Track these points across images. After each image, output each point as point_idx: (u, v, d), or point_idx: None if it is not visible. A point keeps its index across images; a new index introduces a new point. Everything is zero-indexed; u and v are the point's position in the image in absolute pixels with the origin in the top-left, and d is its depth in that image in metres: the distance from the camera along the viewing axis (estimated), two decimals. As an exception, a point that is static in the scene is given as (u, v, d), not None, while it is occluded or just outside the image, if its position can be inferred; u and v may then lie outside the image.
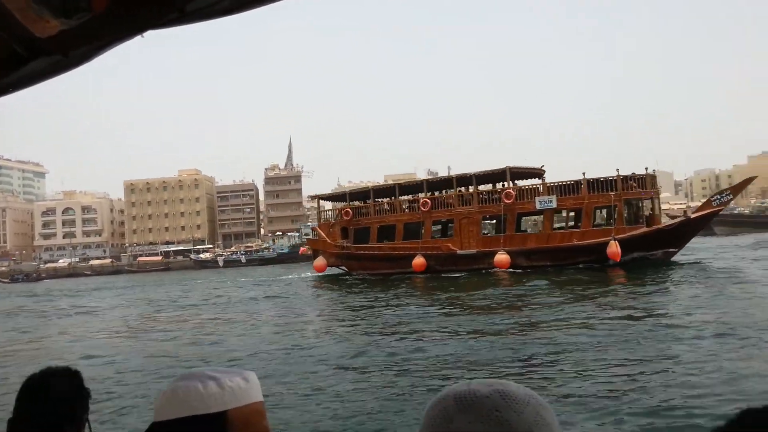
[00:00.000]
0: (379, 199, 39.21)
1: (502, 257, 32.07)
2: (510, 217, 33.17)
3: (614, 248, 29.58)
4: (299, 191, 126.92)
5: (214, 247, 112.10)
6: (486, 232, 35.47)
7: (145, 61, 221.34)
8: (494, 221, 35.77)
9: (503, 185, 35.30)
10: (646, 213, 31.83)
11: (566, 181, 32.34)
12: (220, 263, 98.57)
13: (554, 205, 32.03)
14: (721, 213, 32.14)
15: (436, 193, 37.03)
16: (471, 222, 34.19)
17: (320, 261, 38.74)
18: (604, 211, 32.47)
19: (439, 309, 19.05)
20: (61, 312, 28.46)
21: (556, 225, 36.78)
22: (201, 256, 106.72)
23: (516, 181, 35.68)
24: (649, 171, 31.36)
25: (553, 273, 29.21)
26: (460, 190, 36.00)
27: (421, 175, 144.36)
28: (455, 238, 34.78)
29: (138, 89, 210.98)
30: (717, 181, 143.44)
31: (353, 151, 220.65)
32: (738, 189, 30.09)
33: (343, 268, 38.93)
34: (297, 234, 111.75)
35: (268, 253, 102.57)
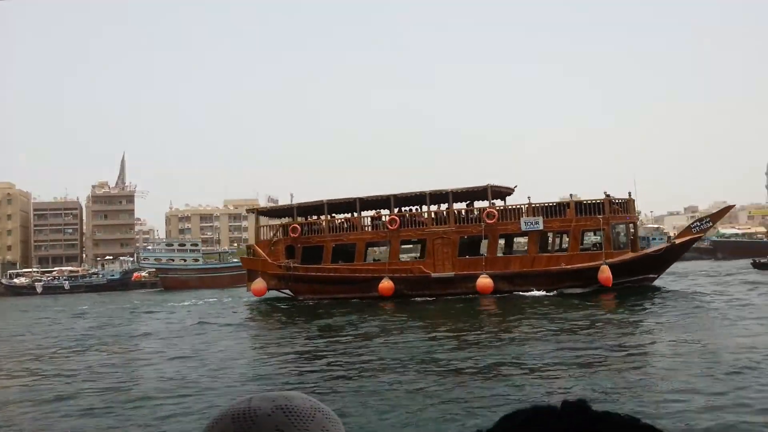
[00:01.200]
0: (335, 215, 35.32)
1: (485, 281, 29.89)
2: (492, 239, 31.22)
3: (606, 273, 28.78)
4: (131, 212, 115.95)
5: (31, 271, 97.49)
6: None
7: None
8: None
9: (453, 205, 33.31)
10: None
11: (551, 203, 31.20)
12: (39, 289, 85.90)
13: (541, 226, 30.63)
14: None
15: (404, 210, 34.00)
16: (446, 243, 31.66)
17: (259, 284, 33.72)
18: (591, 234, 31.68)
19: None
20: None
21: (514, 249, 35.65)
22: (15, 280, 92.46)
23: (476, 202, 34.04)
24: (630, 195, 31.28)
25: (543, 299, 27.69)
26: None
27: (263, 202, 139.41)
28: (428, 260, 32.02)
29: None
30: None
31: (194, 172, 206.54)
32: (717, 217, 30.96)
33: (287, 292, 34.34)
34: (131, 259, 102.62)
35: (97, 278, 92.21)
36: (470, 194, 32.82)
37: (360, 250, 33.21)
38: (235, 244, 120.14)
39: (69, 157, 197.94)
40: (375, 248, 38.51)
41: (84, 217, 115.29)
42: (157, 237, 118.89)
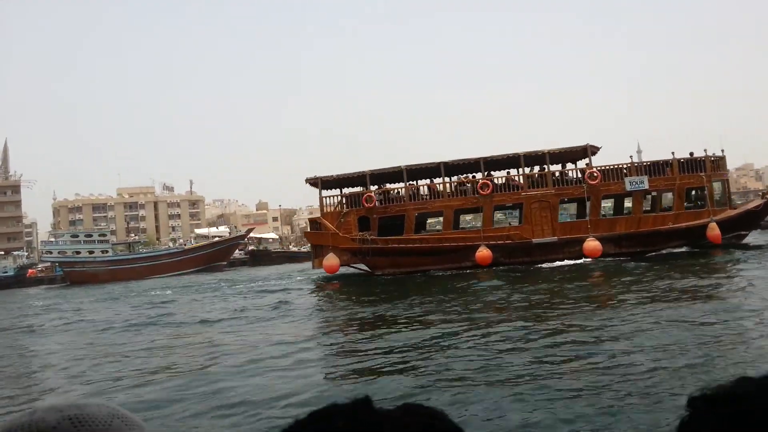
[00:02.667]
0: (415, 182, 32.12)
1: (593, 244, 28.36)
2: (594, 201, 29.69)
3: (716, 230, 28.28)
4: (18, 204, 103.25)
5: None
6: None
7: None
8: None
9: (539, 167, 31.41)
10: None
11: (651, 161, 30.15)
12: None
13: (646, 186, 29.50)
14: None
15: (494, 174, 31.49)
16: (545, 207, 29.72)
17: (332, 260, 30.01)
18: (693, 192, 30.91)
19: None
20: None
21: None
22: None
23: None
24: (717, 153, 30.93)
25: (661, 260, 26.57)
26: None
27: (158, 190, 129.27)
28: (526, 226, 29.94)
29: None
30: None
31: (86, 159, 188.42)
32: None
33: (363, 267, 30.88)
34: (25, 253, 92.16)
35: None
36: (567, 155, 31.10)
37: (448, 218, 30.48)
38: (133, 234, 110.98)
39: None
40: (432, 218, 35.63)
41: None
42: (56, 230, 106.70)
